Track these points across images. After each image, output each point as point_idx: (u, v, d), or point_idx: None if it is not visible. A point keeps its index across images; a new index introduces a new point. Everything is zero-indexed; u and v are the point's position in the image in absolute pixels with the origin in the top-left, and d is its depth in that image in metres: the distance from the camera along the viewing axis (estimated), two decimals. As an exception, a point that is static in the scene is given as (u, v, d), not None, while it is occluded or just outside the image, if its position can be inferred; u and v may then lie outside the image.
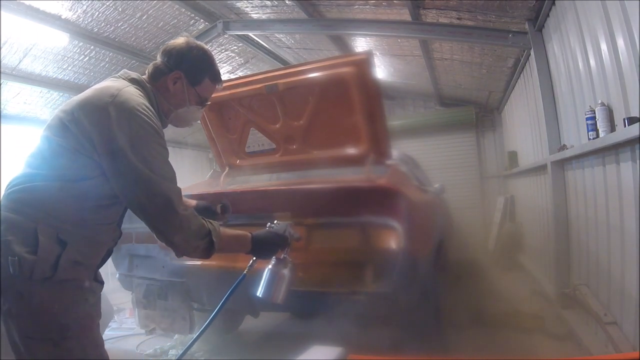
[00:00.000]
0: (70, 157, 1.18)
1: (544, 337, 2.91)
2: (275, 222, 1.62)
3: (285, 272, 1.57)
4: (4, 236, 1.11)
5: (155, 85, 1.39)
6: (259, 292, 1.56)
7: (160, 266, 2.33)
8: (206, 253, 1.31)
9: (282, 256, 1.59)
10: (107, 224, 1.28)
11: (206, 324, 1.55)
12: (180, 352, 1.64)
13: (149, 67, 1.41)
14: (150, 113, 1.24)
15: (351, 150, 2.43)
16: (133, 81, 1.34)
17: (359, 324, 2.03)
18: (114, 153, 1.16)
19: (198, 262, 2.25)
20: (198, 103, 1.45)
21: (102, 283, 1.29)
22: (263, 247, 1.51)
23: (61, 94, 5.71)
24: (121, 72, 1.40)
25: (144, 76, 1.41)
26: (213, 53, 1.48)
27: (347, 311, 1.97)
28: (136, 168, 1.16)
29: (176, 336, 3.18)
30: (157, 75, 1.39)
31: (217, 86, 1.48)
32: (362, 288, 1.92)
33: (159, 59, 1.42)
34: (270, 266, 1.57)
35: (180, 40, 1.43)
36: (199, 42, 1.46)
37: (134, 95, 1.25)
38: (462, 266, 4.69)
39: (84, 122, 1.18)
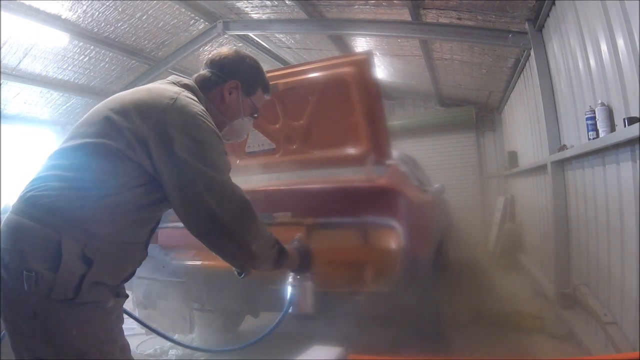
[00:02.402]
0: (114, 161, 1.05)
1: (544, 337, 2.91)
2: (297, 237, 1.57)
3: (308, 282, 1.52)
4: (17, 246, 0.98)
5: (209, 95, 1.30)
6: (292, 308, 1.51)
7: (161, 266, 2.33)
8: (276, 264, 1.24)
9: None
10: (137, 244, 1.16)
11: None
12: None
13: (195, 79, 1.32)
14: (211, 120, 1.17)
15: (351, 150, 2.43)
16: (186, 87, 1.24)
17: (359, 324, 2.03)
18: (177, 158, 1.05)
19: (198, 262, 2.26)
20: (251, 114, 1.40)
21: (126, 297, 1.17)
22: (307, 264, 1.46)
23: (61, 94, 5.72)
24: (170, 77, 1.31)
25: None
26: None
27: (347, 311, 1.97)
28: (205, 173, 1.06)
29: (176, 336, 3.18)
30: (209, 85, 1.30)
31: (267, 96, 1.43)
32: (362, 288, 1.92)
33: (205, 70, 1.34)
34: (292, 280, 1.52)
35: (228, 50, 1.37)
36: (247, 52, 1.41)
37: (193, 100, 1.17)
38: (462, 266, 4.70)
39: (139, 124, 1.07)
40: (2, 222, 1.06)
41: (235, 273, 1.26)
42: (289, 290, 1.51)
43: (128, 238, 1.11)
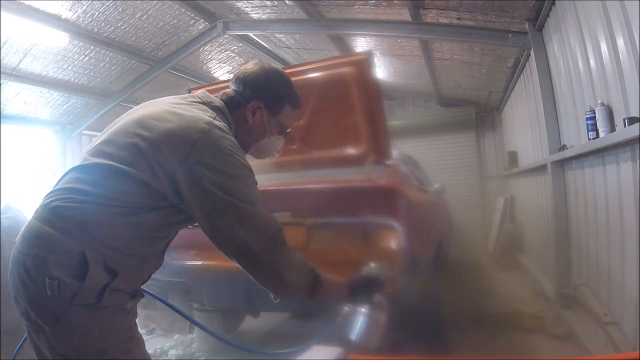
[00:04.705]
0: (137, 187, 1.06)
1: (544, 337, 2.91)
2: (371, 264, 1.47)
3: (381, 315, 1.41)
4: (41, 252, 1.00)
5: (233, 116, 1.27)
6: (355, 336, 1.39)
7: (161, 266, 2.33)
8: (311, 292, 1.22)
9: (377, 299, 1.43)
10: (154, 254, 1.18)
11: None
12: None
13: (222, 97, 1.29)
14: (241, 152, 1.16)
15: (351, 150, 2.43)
16: (216, 110, 1.22)
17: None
18: (207, 191, 1.06)
19: (198, 262, 2.26)
20: (279, 132, 1.35)
21: (142, 296, 1.19)
22: (359, 296, 1.37)
23: (61, 94, 5.72)
24: (200, 92, 1.28)
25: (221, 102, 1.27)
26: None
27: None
28: (235, 204, 1.08)
29: (176, 336, 3.18)
30: (233, 105, 1.27)
31: (296, 111, 1.39)
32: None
33: (231, 87, 1.31)
34: (365, 310, 1.41)
35: (253, 65, 1.32)
36: (273, 66, 1.35)
37: (225, 132, 1.15)
38: (462, 266, 4.71)
39: (168, 155, 1.06)
40: (23, 227, 1.08)
41: (272, 296, 1.26)
42: (361, 316, 1.39)
43: (146, 251, 1.14)
